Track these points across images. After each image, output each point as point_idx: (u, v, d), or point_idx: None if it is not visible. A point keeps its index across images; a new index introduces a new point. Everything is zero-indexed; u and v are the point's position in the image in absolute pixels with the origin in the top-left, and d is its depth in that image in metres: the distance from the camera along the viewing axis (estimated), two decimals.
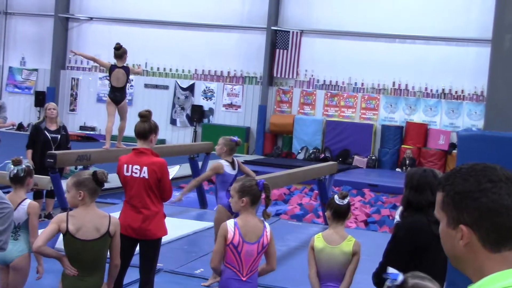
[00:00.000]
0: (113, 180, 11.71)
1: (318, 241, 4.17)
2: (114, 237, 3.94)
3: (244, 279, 4.00)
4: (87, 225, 3.85)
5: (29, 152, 8.69)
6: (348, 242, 4.17)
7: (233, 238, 3.98)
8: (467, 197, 1.40)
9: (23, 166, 4.56)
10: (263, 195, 4.16)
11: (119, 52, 8.85)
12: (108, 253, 4.03)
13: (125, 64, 9.01)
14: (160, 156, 5.09)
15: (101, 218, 3.91)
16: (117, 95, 9.09)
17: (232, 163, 6.38)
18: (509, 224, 1.39)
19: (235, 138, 6.43)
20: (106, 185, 12.46)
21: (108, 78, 9.18)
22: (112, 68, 8.97)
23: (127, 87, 9.10)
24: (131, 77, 21.73)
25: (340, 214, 4.19)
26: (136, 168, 4.83)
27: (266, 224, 4.14)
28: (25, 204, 4.53)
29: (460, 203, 1.41)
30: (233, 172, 6.35)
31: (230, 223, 4.04)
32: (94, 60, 9.75)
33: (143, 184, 4.82)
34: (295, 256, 7.48)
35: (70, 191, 3.94)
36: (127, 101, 9.26)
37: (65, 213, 3.93)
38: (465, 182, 1.41)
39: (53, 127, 8.86)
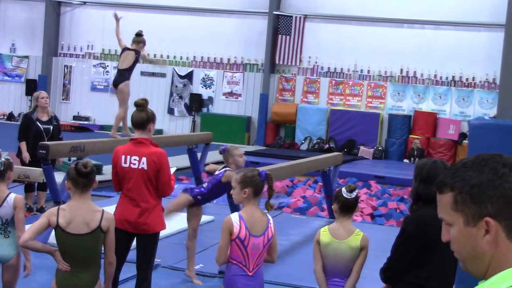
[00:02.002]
0: (108, 172, 11.34)
1: (324, 235, 4.12)
2: (107, 233, 3.89)
3: (250, 274, 3.96)
4: (77, 219, 3.82)
5: (23, 144, 8.57)
6: (356, 236, 4.11)
7: (240, 232, 3.92)
8: (488, 186, 1.36)
9: (3, 159, 4.53)
10: (266, 186, 4.12)
11: (138, 38, 8.83)
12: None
13: (139, 50, 8.84)
14: (159, 147, 5.01)
15: (93, 213, 3.87)
16: (116, 77, 8.96)
17: None
18: None
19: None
20: (101, 178, 12.00)
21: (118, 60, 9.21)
22: (123, 50, 8.87)
23: (131, 71, 8.84)
24: None
25: (348, 208, 4.13)
26: (134, 159, 4.78)
27: (269, 216, 4.12)
28: (11, 199, 4.50)
29: (480, 196, 1.36)
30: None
31: (234, 217, 3.97)
32: (117, 33, 9.35)
33: (142, 175, 4.76)
34: (298, 251, 7.41)
35: None
36: (127, 85, 8.73)
37: (56, 207, 3.93)
38: (480, 173, 1.37)
39: (44, 118, 8.73)
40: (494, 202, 1.36)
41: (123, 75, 8.77)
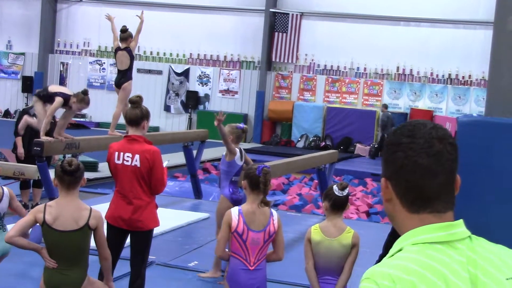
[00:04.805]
0: (103, 170, 11.35)
1: (315, 233, 4.09)
2: (97, 231, 3.88)
3: (251, 268, 3.98)
4: (65, 216, 3.81)
5: (19, 139, 8.57)
6: (347, 234, 4.09)
7: (237, 226, 3.95)
8: (388, 150, 1.41)
9: None
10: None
11: (124, 34, 8.90)
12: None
13: (129, 46, 9.02)
14: (153, 144, 4.96)
15: (81, 210, 3.85)
16: (119, 78, 9.06)
17: (241, 153, 6.14)
18: (426, 185, 1.36)
19: (241, 125, 6.16)
20: (96, 175, 11.96)
21: (115, 62, 9.35)
22: (116, 51, 9.03)
23: (131, 69, 9.05)
24: None
25: (339, 206, 4.10)
26: (127, 156, 4.75)
27: (274, 212, 4.09)
28: (5, 191, 4.62)
29: (384, 156, 1.43)
30: (240, 163, 6.11)
31: (234, 211, 4.01)
32: (113, 31, 9.39)
33: (135, 173, 4.73)
34: (293, 249, 7.33)
35: None
36: (130, 84, 8.95)
37: (43, 204, 3.92)
38: (392, 136, 1.42)
39: None
40: (388, 165, 1.40)
41: (126, 75, 8.93)
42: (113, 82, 9.37)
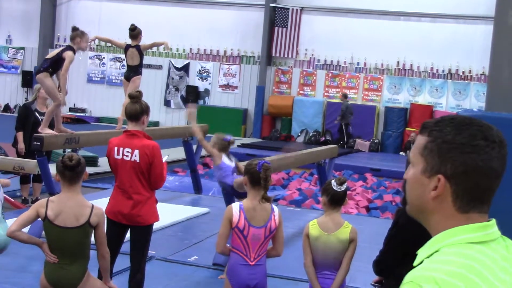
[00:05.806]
0: (103, 164, 11.35)
1: (313, 228, 4.10)
2: (97, 228, 3.88)
3: (252, 263, 3.99)
4: (66, 212, 3.80)
5: (21, 134, 8.60)
6: (345, 229, 4.10)
7: (238, 222, 3.96)
8: (457, 149, 1.35)
9: None
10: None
11: (134, 32, 9.16)
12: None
13: (139, 44, 9.27)
14: (153, 139, 4.96)
15: (82, 207, 3.85)
16: (129, 72, 9.25)
17: (228, 156, 6.22)
18: (489, 188, 1.37)
19: (228, 138, 6.21)
20: (96, 170, 11.96)
21: (125, 58, 9.58)
22: (126, 48, 9.24)
23: (141, 65, 9.33)
24: (122, 56, 21.39)
25: (337, 201, 4.10)
26: (127, 151, 4.75)
27: (275, 207, 4.09)
28: None
29: (447, 153, 1.36)
30: (232, 164, 6.12)
31: (235, 206, 4.03)
32: (110, 42, 10.04)
33: (134, 168, 4.73)
34: (293, 243, 7.33)
35: None
36: (140, 78, 9.29)
37: (46, 199, 3.89)
38: (458, 133, 1.36)
39: (43, 109, 8.70)
40: (455, 165, 1.36)
41: (136, 70, 9.09)
42: (124, 75, 9.49)
